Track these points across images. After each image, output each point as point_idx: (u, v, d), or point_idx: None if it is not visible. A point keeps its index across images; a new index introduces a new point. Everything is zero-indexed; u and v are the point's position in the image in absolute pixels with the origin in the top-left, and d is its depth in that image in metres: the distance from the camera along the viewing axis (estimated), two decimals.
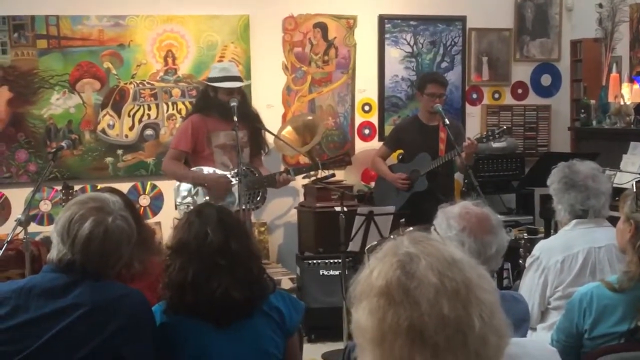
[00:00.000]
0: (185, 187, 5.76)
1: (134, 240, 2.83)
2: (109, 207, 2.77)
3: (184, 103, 6.80)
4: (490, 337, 1.46)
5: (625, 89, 6.75)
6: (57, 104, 6.55)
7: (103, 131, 6.67)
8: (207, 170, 5.71)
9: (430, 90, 6.21)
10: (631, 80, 6.81)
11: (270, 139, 6.16)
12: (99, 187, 5.85)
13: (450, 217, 2.75)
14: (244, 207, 5.33)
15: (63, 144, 5.38)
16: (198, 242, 2.85)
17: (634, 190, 2.97)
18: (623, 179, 5.82)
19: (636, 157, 6.28)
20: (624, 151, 6.38)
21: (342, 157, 6.11)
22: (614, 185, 4.39)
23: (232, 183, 5.60)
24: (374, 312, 1.47)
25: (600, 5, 7.17)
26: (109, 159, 6.70)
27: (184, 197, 5.74)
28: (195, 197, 5.69)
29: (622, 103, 6.71)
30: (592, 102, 7.08)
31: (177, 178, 5.81)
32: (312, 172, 6.06)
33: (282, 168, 6.79)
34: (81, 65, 6.58)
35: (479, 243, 1.54)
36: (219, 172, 5.69)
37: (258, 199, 5.75)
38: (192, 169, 5.74)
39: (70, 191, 4.99)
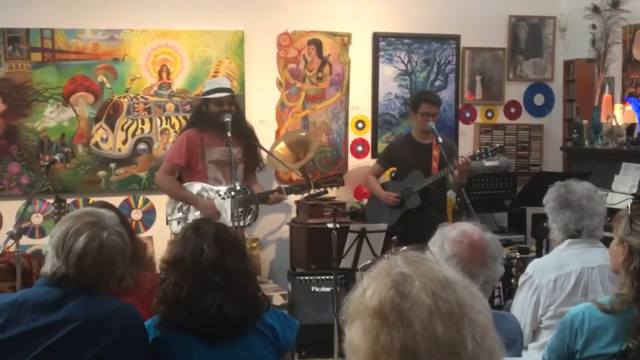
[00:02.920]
0: (177, 201, 5.75)
1: (128, 256, 2.83)
2: (105, 222, 2.77)
3: (177, 118, 6.80)
4: (483, 359, 1.46)
5: (618, 109, 6.78)
6: (50, 117, 6.54)
7: (96, 145, 6.67)
8: (197, 187, 5.69)
9: (424, 109, 6.22)
10: (623, 101, 6.85)
11: (264, 154, 6.16)
12: (91, 201, 5.87)
13: (445, 239, 2.75)
14: (235, 225, 5.32)
15: (56, 157, 5.38)
16: (194, 258, 2.85)
17: (629, 212, 2.97)
18: (615, 199, 5.85)
19: (628, 178, 6.30)
20: (616, 172, 6.41)
21: (335, 178, 6.11)
22: (606, 205, 4.39)
23: (220, 213, 5.59)
24: (367, 332, 1.46)
25: (594, 26, 7.21)
26: (101, 173, 6.69)
27: (176, 212, 5.74)
28: (186, 213, 5.68)
29: (614, 124, 6.74)
30: (585, 122, 7.11)
31: (170, 194, 5.81)
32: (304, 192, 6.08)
33: (275, 183, 6.82)
34: (75, 79, 6.58)
35: (466, 273, 1.55)
36: (211, 186, 5.68)
37: (249, 217, 5.74)
38: (185, 184, 5.73)
39: (63, 204, 4.98)
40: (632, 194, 5.84)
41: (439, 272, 1.51)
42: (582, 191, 3.80)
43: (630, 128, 6.71)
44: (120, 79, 6.67)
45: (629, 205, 3.04)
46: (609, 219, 3.87)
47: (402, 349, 1.43)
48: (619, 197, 5.84)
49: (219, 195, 5.68)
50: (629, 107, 6.75)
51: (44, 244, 6.00)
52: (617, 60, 7.14)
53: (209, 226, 2.95)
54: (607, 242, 3.27)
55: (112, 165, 6.72)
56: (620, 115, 6.75)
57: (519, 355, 2.91)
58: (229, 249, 2.89)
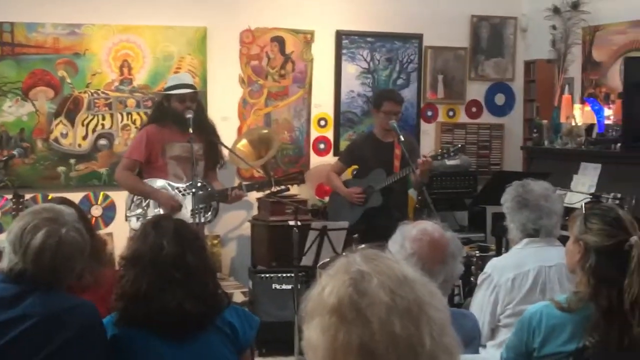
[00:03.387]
0: (136, 197, 5.71)
1: (86, 253, 2.81)
2: (63, 218, 2.75)
3: (138, 113, 6.75)
4: (441, 356, 1.47)
5: (577, 110, 6.86)
6: (9, 112, 6.46)
7: (56, 140, 6.60)
8: (160, 183, 5.66)
9: (387, 107, 6.23)
10: (583, 102, 6.93)
11: (225, 151, 6.14)
12: (50, 197, 5.81)
13: (405, 237, 2.76)
14: (196, 222, 5.30)
15: (14, 152, 5.34)
16: (153, 254, 2.83)
17: (583, 211, 3.01)
18: (573, 199, 5.90)
19: (586, 178, 6.38)
20: (575, 171, 6.48)
21: (296, 176, 6.11)
22: (564, 205, 4.44)
23: (182, 206, 5.55)
24: (326, 330, 1.46)
25: (554, 27, 7.28)
26: (61, 169, 6.62)
27: (135, 208, 5.69)
28: (145, 209, 5.64)
29: (573, 124, 6.82)
30: (545, 122, 7.18)
31: (130, 190, 5.76)
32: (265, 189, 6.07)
33: (237, 181, 6.79)
34: (35, 73, 6.50)
35: (425, 272, 1.56)
36: (172, 183, 5.65)
37: (209, 213, 5.72)
38: (145, 180, 5.69)
39: (21, 200, 4.94)
40: (591, 194, 5.90)
41: (398, 270, 1.51)
42: (540, 191, 3.84)
43: (589, 128, 6.79)
44: (80, 74, 6.61)
45: (584, 205, 3.07)
46: (566, 218, 3.91)
47: (361, 346, 1.43)
48: (577, 196, 5.89)
49: (179, 191, 5.65)
50: (588, 108, 6.83)
51: (1, 240, 5.95)
52: (577, 61, 7.22)
53: (168, 222, 2.93)
54: (564, 240, 3.30)
55: (72, 160, 6.65)
56: (580, 115, 6.83)
57: (477, 352, 2.94)
58: (189, 244, 2.88)
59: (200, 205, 5.53)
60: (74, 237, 2.73)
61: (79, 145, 6.66)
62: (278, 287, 6.28)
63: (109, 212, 6.76)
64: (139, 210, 5.66)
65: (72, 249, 2.73)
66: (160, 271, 2.80)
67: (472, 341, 2.87)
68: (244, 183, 6.00)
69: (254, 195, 6.66)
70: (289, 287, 6.07)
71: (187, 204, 5.55)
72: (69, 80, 6.58)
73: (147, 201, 5.67)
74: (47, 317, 2.64)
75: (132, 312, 2.81)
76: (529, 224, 3.81)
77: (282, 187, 5.97)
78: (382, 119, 6.28)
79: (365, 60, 7.46)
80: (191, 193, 5.44)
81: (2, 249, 2.82)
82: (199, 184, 5.48)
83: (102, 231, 6.57)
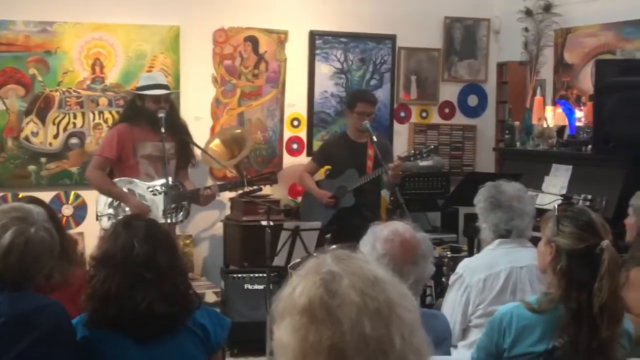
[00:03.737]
0: (107, 197, 5.67)
1: (56, 252, 2.79)
2: (32, 217, 2.73)
3: (110, 112, 6.71)
4: (410, 356, 1.47)
5: (549, 112, 6.91)
6: None
7: (26, 139, 6.54)
8: (130, 182, 5.60)
9: (360, 108, 6.24)
10: (554, 104, 6.98)
11: (197, 151, 6.12)
12: (20, 196, 5.75)
13: (377, 238, 2.76)
14: (168, 221, 5.27)
15: None
16: (124, 254, 2.80)
17: (556, 213, 3.02)
18: (545, 200, 5.95)
19: (557, 179, 6.42)
20: (546, 173, 6.52)
21: (268, 176, 6.09)
22: (536, 206, 4.47)
23: (150, 211, 5.51)
24: (296, 330, 1.46)
25: (526, 29, 7.33)
26: (31, 167, 6.56)
27: (106, 208, 5.65)
28: (117, 209, 5.59)
29: (545, 125, 6.87)
30: (517, 123, 7.22)
31: (100, 190, 5.70)
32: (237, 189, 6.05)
33: (210, 181, 6.77)
34: (5, 71, 6.44)
35: (397, 272, 1.56)
36: (145, 185, 5.60)
37: (181, 214, 5.69)
38: (116, 179, 5.64)
39: None
40: (562, 195, 5.95)
41: (368, 271, 1.52)
42: (512, 192, 3.86)
43: (561, 130, 6.84)
44: (52, 72, 6.55)
45: (556, 207, 3.09)
46: (538, 219, 3.93)
47: (331, 346, 1.44)
48: (549, 197, 5.94)
49: (150, 191, 5.62)
50: (559, 110, 6.88)
51: None
52: (549, 63, 7.28)
53: (139, 222, 2.91)
54: (536, 242, 3.32)
55: (43, 159, 6.60)
56: (551, 117, 6.88)
57: (448, 353, 2.95)
58: (160, 244, 2.86)
59: (172, 205, 5.50)
60: (43, 236, 2.71)
61: (50, 144, 6.61)
62: (250, 287, 6.27)
63: (80, 212, 6.71)
64: (110, 210, 5.62)
65: (40, 249, 2.70)
66: (130, 271, 2.78)
67: (443, 342, 2.88)
68: (217, 183, 5.98)
69: (226, 195, 6.64)
70: (261, 287, 6.06)
71: (159, 204, 5.51)
72: (40, 79, 6.53)
73: (118, 201, 5.62)
74: (15, 318, 2.62)
75: (102, 313, 2.78)
76: (501, 225, 3.83)
77: (255, 187, 5.96)
78: (355, 119, 6.28)
79: (339, 60, 7.46)
80: (163, 192, 5.41)
81: None
82: (170, 184, 5.45)
83: (73, 231, 6.52)
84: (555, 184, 6.38)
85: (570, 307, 2.86)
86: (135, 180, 5.62)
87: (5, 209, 2.78)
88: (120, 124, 5.76)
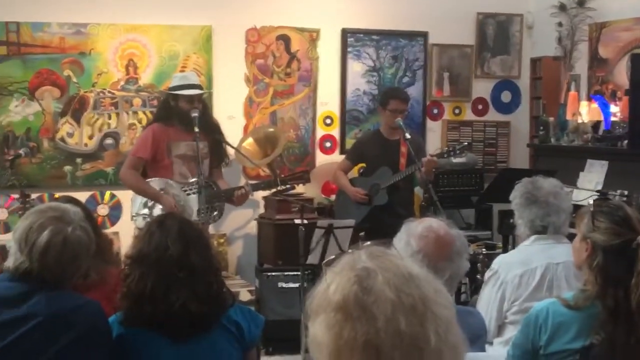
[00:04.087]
0: (142, 197, 5.70)
1: (92, 252, 2.81)
2: (69, 217, 2.75)
3: (144, 112, 6.76)
4: (446, 353, 1.47)
5: (583, 107, 6.84)
6: (15, 112, 6.47)
7: (62, 139, 6.61)
8: (164, 182, 5.63)
9: (393, 106, 6.23)
10: (589, 99, 6.91)
11: (231, 150, 6.14)
12: (57, 196, 5.80)
13: (411, 234, 2.75)
14: (202, 222, 5.29)
15: (21, 151, 5.34)
16: (158, 254, 2.82)
17: (591, 209, 2.99)
18: (580, 196, 5.89)
19: (593, 175, 6.36)
20: (581, 169, 6.47)
21: (301, 175, 6.11)
22: (571, 202, 4.44)
23: (184, 211, 5.52)
24: (331, 327, 1.46)
25: (560, 24, 7.26)
26: (67, 168, 6.63)
27: (141, 208, 5.69)
28: (151, 209, 5.63)
29: (579, 121, 6.80)
30: (551, 119, 7.16)
31: (134, 190, 5.74)
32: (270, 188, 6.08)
33: (242, 179, 6.80)
34: (41, 73, 6.51)
35: (431, 268, 1.55)
36: (179, 184, 5.62)
37: (215, 213, 5.72)
38: (150, 179, 5.66)
39: (28, 199, 4.95)
40: (597, 191, 5.89)
41: (403, 267, 1.51)
42: (549, 188, 3.83)
43: (596, 125, 6.77)
44: (86, 73, 6.61)
45: (591, 202, 3.06)
46: (574, 215, 3.90)
47: (366, 343, 1.43)
48: (584, 193, 5.89)
49: (185, 190, 5.64)
50: (594, 105, 6.81)
51: (8, 239, 5.95)
52: (583, 58, 7.21)
53: (173, 221, 2.92)
54: (572, 238, 3.29)
55: (78, 160, 6.66)
56: (586, 112, 6.81)
57: (484, 350, 2.93)
58: (194, 243, 2.87)
59: (206, 205, 5.53)
60: (80, 235, 2.73)
61: (85, 145, 6.67)
62: (284, 285, 6.28)
63: (115, 211, 6.77)
64: (145, 210, 5.65)
65: (77, 248, 2.72)
66: (164, 270, 2.80)
67: (479, 339, 2.86)
68: (250, 182, 6.01)
69: (260, 194, 6.66)
70: (295, 285, 6.07)
71: (193, 204, 5.54)
72: (75, 80, 6.59)
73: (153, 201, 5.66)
74: (52, 317, 2.64)
75: (137, 311, 2.80)
76: (537, 221, 3.81)
77: (288, 185, 5.97)
78: (388, 117, 6.28)
79: (371, 58, 7.45)
80: (197, 192, 5.43)
81: (8, 248, 2.82)
82: (204, 183, 5.47)
83: (109, 230, 6.58)
84: (591, 179, 6.32)
85: (607, 304, 2.83)
86: (169, 180, 5.65)
87: (43, 209, 2.81)
88: (155, 123, 5.80)
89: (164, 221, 2.94)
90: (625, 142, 6.27)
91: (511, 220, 3.99)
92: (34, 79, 6.50)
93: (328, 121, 7.39)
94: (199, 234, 2.99)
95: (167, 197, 5.53)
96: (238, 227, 7.11)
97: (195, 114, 5.46)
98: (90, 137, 6.68)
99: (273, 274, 6.35)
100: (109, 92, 6.70)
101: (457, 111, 7.84)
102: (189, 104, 5.59)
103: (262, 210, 6.99)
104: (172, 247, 2.82)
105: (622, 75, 6.83)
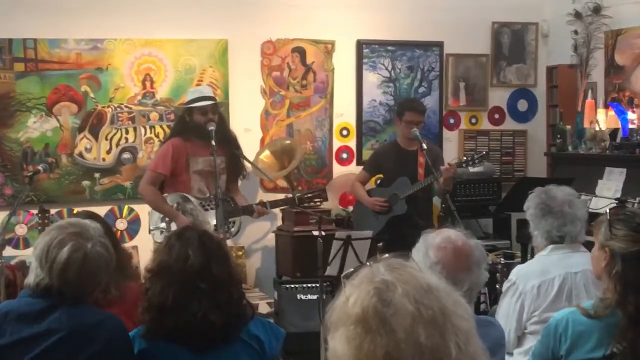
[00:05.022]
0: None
1: (112, 267, 2.82)
2: (89, 232, 2.76)
3: (161, 127, 6.79)
4: None
5: (601, 114, 6.82)
6: (34, 127, 6.52)
7: (80, 155, 6.64)
8: (181, 197, 5.64)
9: (408, 117, 6.24)
10: (606, 106, 6.88)
11: (247, 163, 6.16)
12: (75, 211, 5.84)
13: (429, 246, 2.75)
14: (221, 235, 5.30)
15: (40, 167, 5.36)
16: (179, 265, 2.82)
17: (608, 217, 2.98)
18: (599, 204, 5.86)
19: (611, 183, 6.33)
20: (600, 176, 6.44)
21: (319, 193, 6.13)
22: (590, 210, 4.42)
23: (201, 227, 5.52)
24: (351, 340, 1.46)
25: (576, 32, 7.25)
26: (85, 183, 6.66)
27: (159, 222, 5.70)
28: (169, 223, 5.63)
29: (597, 129, 6.78)
30: (568, 127, 7.14)
31: (152, 206, 5.76)
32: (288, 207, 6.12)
33: (260, 192, 6.82)
34: (58, 89, 6.56)
35: (450, 279, 1.55)
36: (197, 200, 5.63)
37: (233, 229, 5.74)
38: (167, 195, 5.68)
39: (47, 215, 4.96)
40: (616, 199, 5.86)
41: (422, 279, 1.51)
42: (563, 197, 3.81)
43: (613, 133, 6.74)
44: (103, 89, 6.65)
45: (608, 210, 3.04)
46: (592, 223, 3.88)
47: (386, 355, 1.43)
48: (603, 201, 5.86)
49: (203, 206, 5.66)
50: (611, 112, 6.78)
51: (28, 255, 5.98)
52: (600, 66, 7.18)
53: (192, 233, 2.93)
54: (589, 246, 3.28)
55: (97, 175, 6.70)
56: (603, 120, 6.78)
57: None
58: (214, 254, 2.87)
59: (224, 221, 5.52)
60: (100, 251, 2.75)
61: (103, 160, 6.70)
62: (303, 297, 6.26)
63: (134, 225, 6.79)
64: (163, 224, 5.67)
65: (97, 263, 2.74)
66: (186, 281, 2.80)
67: (499, 349, 2.85)
68: (268, 201, 6.02)
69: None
70: (314, 297, 6.05)
71: (211, 219, 5.53)
72: (92, 95, 6.63)
73: None
74: (72, 332, 2.65)
75: (158, 324, 2.81)
76: (553, 231, 3.78)
77: (305, 204, 6.01)
78: (404, 128, 6.29)
79: (387, 69, 7.46)
80: (215, 207, 5.43)
81: (28, 264, 2.83)
82: (221, 198, 5.47)
83: (127, 244, 6.61)
84: (609, 187, 6.29)
85: (627, 312, 2.81)
86: (187, 195, 5.66)
87: (63, 225, 2.82)
88: (174, 138, 5.81)
89: (183, 233, 2.95)
90: None
91: (528, 230, 3.97)
92: (52, 94, 6.54)
93: (345, 132, 7.40)
94: (218, 245, 2.99)
95: (183, 217, 5.50)
96: (256, 239, 7.12)
97: (212, 128, 5.48)
98: (108, 152, 6.71)
99: (292, 286, 6.34)
100: (126, 106, 6.73)
101: (473, 120, 7.82)
102: (203, 115, 5.61)
103: (279, 222, 6.99)
104: (193, 257, 2.82)
105: (638, 82, 6.80)
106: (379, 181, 6.73)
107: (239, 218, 5.76)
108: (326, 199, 6.22)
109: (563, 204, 3.77)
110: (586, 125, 6.93)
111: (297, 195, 6.17)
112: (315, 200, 6.12)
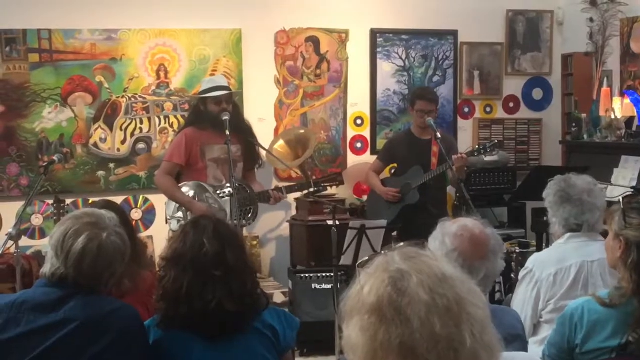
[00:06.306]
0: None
1: (127, 257, 2.83)
2: (104, 222, 2.77)
3: (176, 117, 6.80)
4: (481, 353, 1.46)
5: (616, 103, 6.78)
6: (49, 118, 6.54)
7: (95, 145, 6.66)
8: (197, 185, 5.66)
9: (419, 106, 6.23)
10: (622, 94, 6.84)
11: (263, 152, 6.16)
12: (91, 202, 5.86)
13: (446, 233, 2.74)
14: (235, 223, 5.31)
15: (55, 157, 5.38)
16: (193, 253, 2.83)
17: (622, 206, 2.97)
18: (614, 192, 5.84)
19: (627, 171, 6.30)
20: (615, 165, 6.41)
21: (335, 177, 6.12)
22: (606, 199, 4.39)
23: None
24: (365, 329, 1.46)
25: (591, 20, 7.20)
26: (100, 173, 6.69)
27: (176, 211, 5.73)
28: (186, 212, 5.66)
29: (613, 117, 6.74)
30: (583, 116, 7.11)
31: (168, 196, 5.79)
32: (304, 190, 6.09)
33: (275, 181, 6.82)
34: (73, 79, 6.57)
35: (467, 267, 1.54)
36: (212, 188, 5.65)
37: (249, 216, 5.74)
38: (183, 184, 5.70)
39: (62, 205, 4.98)
40: (632, 187, 5.84)
41: (436, 268, 1.51)
42: (583, 185, 3.80)
43: (629, 121, 6.70)
44: (118, 79, 6.67)
45: (622, 199, 3.03)
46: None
47: (401, 345, 1.43)
48: (618, 190, 5.83)
49: (219, 194, 5.67)
50: (627, 100, 6.74)
51: (43, 245, 6.02)
52: (615, 54, 7.14)
53: (207, 221, 2.94)
54: (606, 235, 3.26)
55: (112, 165, 6.72)
56: (619, 108, 6.75)
57: (525, 349, 2.90)
58: (229, 243, 2.88)
59: (240, 208, 5.54)
60: (115, 241, 2.76)
61: (118, 150, 6.72)
62: (318, 286, 6.28)
63: (149, 215, 6.82)
64: (180, 214, 5.69)
65: (112, 253, 2.75)
66: (200, 270, 2.81)
67: (517, 338, 2.83)
68: (284, 186, 6.03)
69: (292, 196, 6.66)
70: (329, 286, 6.07)
71: (227, 207, 5.55)
72: (106, 86, 6.65)
73: None
74: (88, 321, 2.66)
75: (173, 312, 2.82)
76: (571, 219, 3.77)
77: (321, 187, 5.99)
78: (416, 117, 6.30)
79: (401, 58, 7.44)
80: (231, 195, 5.44)
81: (45, 254, 2.85)
82: (238, 186, 5.49)
83: (142, 234, 6.63)
84: (625, 176, 6.26)
85: None
86: (204, 183, 5.68)
87: (78, 215, 2.83)
88: (187, 128, 5.83)
89: (199, 221, 2.95)
90: None
91: (545, 218, 3.95)
92: (67, 85, 6.57)
93: (359, 122, 7.39)
94: (233, 233, 3.00)
95: (199, 204, 5.53)
96: (270, 229, 7.13)
97: (226, 117, 5.48)
98: (123, 142, 6.73)
99: (306, 275, 6.35)
100: (141, 97, 6.74)
101: (488, 109, 7.80)
102: (217, 105, 5.62)
103: (294, 212, 7.00)
104: (208, 245, 2.83)
105: None
106: (393, 170, 6.73)
107: (254, 206, 5.75)
108: (342, 183, 6.22)
109: (582, 193, 3.76)
110: (602, 113, 6.89)
111: (314, 179, 6.16)
112: (331, 184, 6.11)
